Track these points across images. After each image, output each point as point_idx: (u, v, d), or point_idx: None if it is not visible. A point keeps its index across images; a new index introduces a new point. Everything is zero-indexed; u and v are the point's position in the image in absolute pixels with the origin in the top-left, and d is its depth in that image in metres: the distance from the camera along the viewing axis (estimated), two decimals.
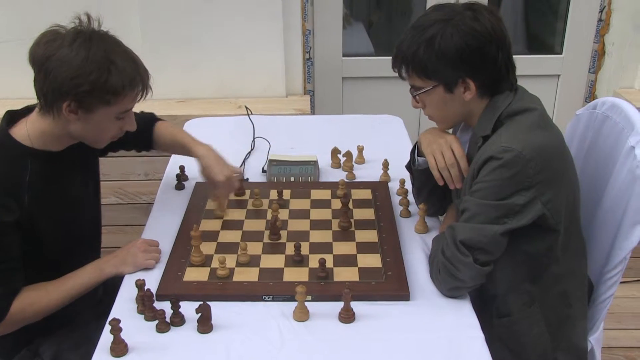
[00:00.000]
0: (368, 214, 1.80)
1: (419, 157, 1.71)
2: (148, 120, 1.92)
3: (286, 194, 1.89)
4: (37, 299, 1.54)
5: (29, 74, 1.48)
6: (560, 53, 3.16)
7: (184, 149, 1.88)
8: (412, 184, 1.81)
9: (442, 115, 1.59)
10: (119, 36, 1.52)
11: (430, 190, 1.75)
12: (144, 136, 1.90)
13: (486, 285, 1.51)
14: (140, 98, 1.54)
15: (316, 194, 1.91)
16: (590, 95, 3.16)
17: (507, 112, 1.48)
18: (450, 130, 1.69)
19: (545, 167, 1.42)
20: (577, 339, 1.61)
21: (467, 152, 1.58)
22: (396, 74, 1.56)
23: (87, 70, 1.41)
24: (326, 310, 1.44)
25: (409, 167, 1.78)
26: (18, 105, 1.61)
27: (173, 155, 2.22)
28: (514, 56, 1.52)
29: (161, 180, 2.07)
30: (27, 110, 1.58)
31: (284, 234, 1.71)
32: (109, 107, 1.47)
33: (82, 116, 1.47)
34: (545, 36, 3.42)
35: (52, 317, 1.58)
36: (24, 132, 1.52)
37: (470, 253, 1.44)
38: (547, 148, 1.44)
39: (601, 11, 3.01)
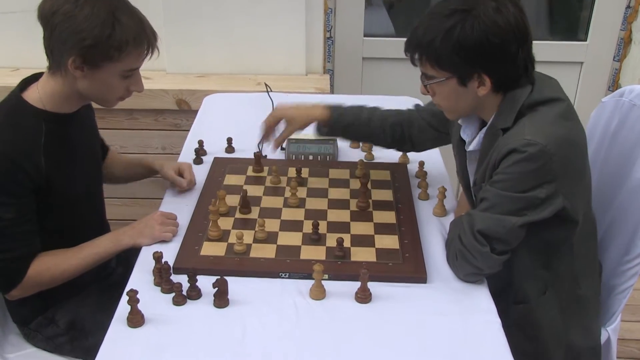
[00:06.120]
0: (386, 195, 1.79)
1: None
2: None
3: (304, 172, 1.88)
4: (53, 264, 1.55)
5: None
6: (585, 40, 3.11)
7: (144, 168, 1.94)
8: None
9: (451, 107, 1.52)
10: (139, 8, 1.51)
11: None
12: None
13: (502, 271, 1.49)
14: (147, 57, 1.54)
15: (334, 173, 1.90)
16: (614, 84, 3.11)
17: (528, 102, 1.43)
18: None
19: (568, 160, 1.40)
20: (589, 320, 1.60)
21: (480, 143, 1.54)
22: None
23: (91, 25, 1.41)
24: (342, 290, 1.43)
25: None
26: None
27: (192, 129, 2.22)
28: (536, 41, 1.46)
29: (179, 154, 2.07)
30: (38, 76, 1.58)
31: (301, 212, 1.70)
32: (113, 63, 1.47)
33: (87, 73, 1.47)
34: (569, 22, 3.36)
35: (65, 286, 1.59)
36: (36, 95, 1.53)
37: (488, 243, 1.42)
38: (570, 140, 1.41)
39: None
